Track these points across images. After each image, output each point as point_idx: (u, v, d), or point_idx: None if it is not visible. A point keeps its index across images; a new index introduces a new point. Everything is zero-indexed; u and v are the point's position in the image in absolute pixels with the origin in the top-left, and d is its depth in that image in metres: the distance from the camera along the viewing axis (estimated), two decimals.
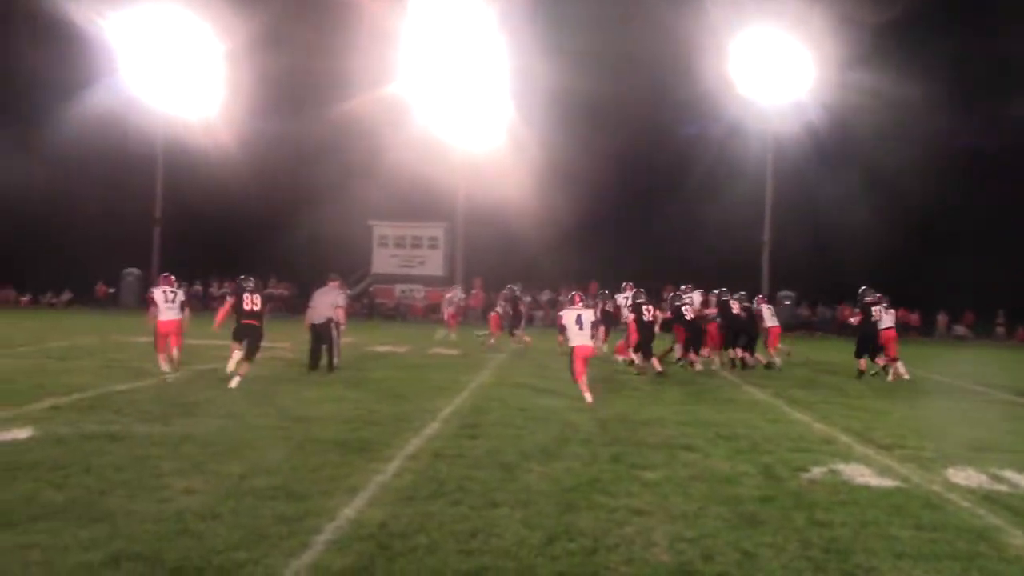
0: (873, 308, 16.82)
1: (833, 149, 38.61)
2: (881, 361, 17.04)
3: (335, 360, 14.77)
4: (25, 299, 43.26)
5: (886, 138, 35.04)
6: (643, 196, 41.11)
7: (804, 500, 6.64)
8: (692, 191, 37.88)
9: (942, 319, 39.62)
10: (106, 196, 40.35)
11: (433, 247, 44.11)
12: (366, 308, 40.27)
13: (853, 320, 17.43)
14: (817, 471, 7.70)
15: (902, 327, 38.58)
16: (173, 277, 14.66)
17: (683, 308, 17.45)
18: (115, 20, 37.89)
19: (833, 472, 7.69)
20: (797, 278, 38.45)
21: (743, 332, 17.93)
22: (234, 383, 12.20)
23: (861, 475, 7.61)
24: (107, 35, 38.18)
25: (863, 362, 16.93)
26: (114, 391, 11.47)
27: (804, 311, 39.70)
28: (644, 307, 16.37)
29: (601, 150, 38.20)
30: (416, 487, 6.64)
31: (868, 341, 16.95)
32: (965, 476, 7.77)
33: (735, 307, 17.75)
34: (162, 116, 40.07)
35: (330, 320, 14.80)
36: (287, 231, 39.16)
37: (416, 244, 44.18)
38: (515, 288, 22.80)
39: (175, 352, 14.03)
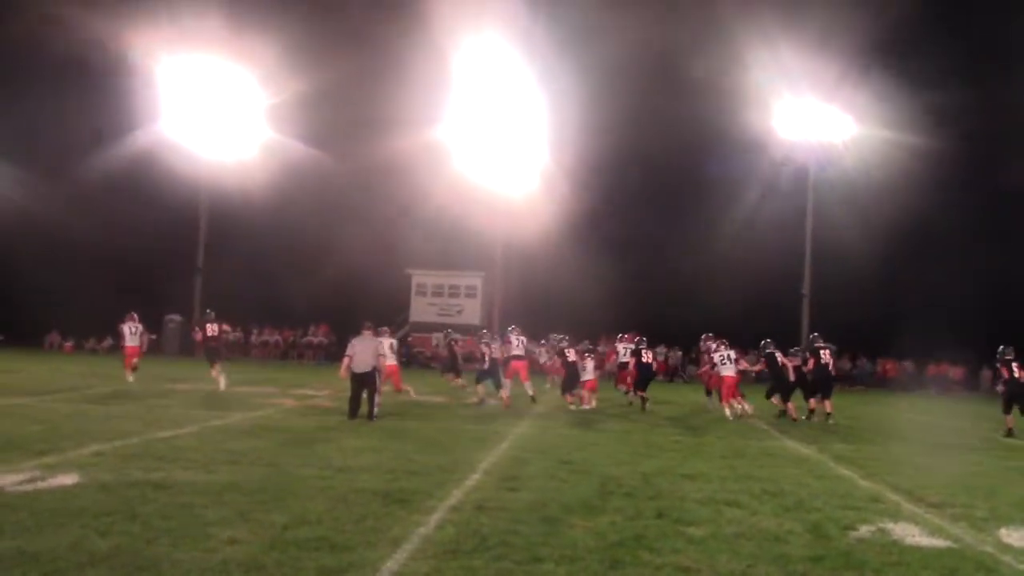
0: (822, 352, 18.54)
1: (872, 200, 38.27)
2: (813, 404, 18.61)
3: (375, 409, 14.82)
4: (69, 344, 43.89)
5: (926, 189, 34.71)
6: (678, 245, 40.91)
7: (854, 560, 6.50)
8: (728, 240, 37.76)
9: (986, 374, 38.92)
10: (149, 243, 40.95)
11: (471, 296, 44.20)
12: (404, 357, 40.30)
13: (806, 367, 18.92)
14: (866, 530, 7.54)
15: (945, 380, 38.52)
16: (136, 316, 22.05)
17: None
18: (156, 68, 38.82)
19: (882, 531, 7.53)
20: (836, 329, 37.99)
21: (649, 378, 20.26)
22: (222, 386, 19.63)
23: (911, 535, 7.44)
24: (150, 83, 39.06)
25: (812, 402, 18.57)
26: (157, 438, 11.55)
27: (844, 363, 39.11)
28: (567, 350, 19.85)
29: (638, 199, 38.32)
30: (459, 540, 6.58)
31: (815, 383, 18.64)
32: (1019, 537, 7.57)
33: (646, 356, 20.19)
34: (205, 166, 40.75)
35: (374, 368, 14.93)
36: (325, 279, 39.45)
37: (454, 293, 44.31)
38: (451, 333, 24.70)
39: (135, 362, 21.33)
